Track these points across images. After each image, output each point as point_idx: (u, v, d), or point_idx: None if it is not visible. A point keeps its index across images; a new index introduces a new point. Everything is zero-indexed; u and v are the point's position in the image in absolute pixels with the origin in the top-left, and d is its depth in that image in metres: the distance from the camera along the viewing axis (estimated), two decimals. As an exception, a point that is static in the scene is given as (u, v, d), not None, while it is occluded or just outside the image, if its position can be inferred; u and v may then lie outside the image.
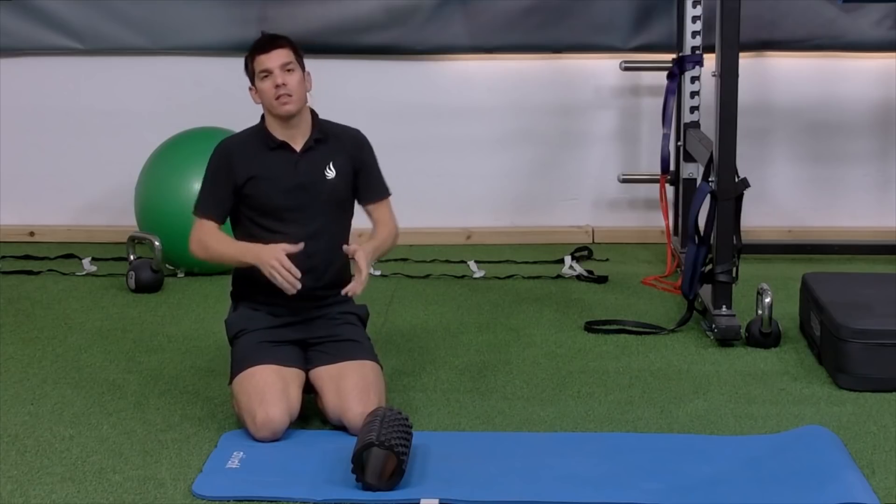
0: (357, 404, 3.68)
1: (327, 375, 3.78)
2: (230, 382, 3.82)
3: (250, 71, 3.89)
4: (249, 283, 3.86)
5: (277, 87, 3.81)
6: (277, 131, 3.90)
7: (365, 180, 3.97)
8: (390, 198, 4.02)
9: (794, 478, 3.44)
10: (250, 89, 3.92)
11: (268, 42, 3.86)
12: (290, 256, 3.73)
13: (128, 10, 5.90)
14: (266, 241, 3.79)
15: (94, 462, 3.58)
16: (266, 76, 3.83)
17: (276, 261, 3.70)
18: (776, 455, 3.60)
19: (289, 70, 3.83)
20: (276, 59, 3.82)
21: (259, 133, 3.93)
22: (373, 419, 3.47)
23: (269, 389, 3.70)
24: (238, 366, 3.80)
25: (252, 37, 5.81)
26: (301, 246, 3.75)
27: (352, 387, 3.72)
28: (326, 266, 3.87)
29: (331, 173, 3.90)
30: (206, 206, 3.90)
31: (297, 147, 3.89)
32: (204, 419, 3.88)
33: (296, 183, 3.86)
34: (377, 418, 3.46)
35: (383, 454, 3.34)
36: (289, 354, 3.82)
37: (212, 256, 3.90)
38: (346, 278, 3.86)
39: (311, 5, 5.88)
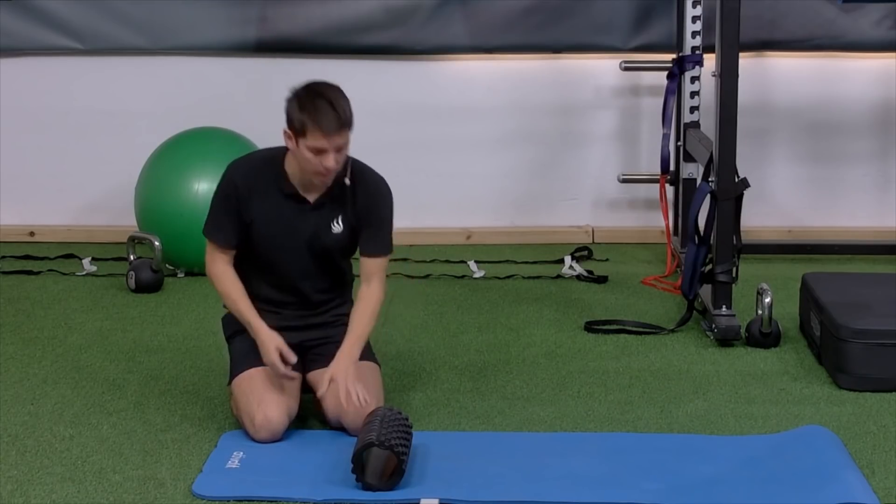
0: (358, 406, 3.67)
1: (319, 377, 3.78)
2: (229, 383, 3.82)
3: (298, 128, 3.58)
4: (245, 282, 3.83)
5: (323, 167, 3.60)
6: (296, 178, 3.71)
7: (370, 233, 3.80)
8: (388, 256, 3.85)
9: (794, 478, 3.44)
10: (287, 134, 3.63)
11: (334, 124, 3.55)
12: (280, 283, 3.77)
13: (128, 10, 5.90)
14: (256, 276, 3.79)
15: (94, 462, 3.58)
16: (317, 152, 3.59)
17: (272, 364, 3.68)
18: (776, 455, 3.60)
19: (339, 149, 3.61)
20: (335, 141, 3.57)
21: (275, 168, 3.73)
22: (372, 419, 3.47)
23: (268, 391, 3.70)
24: (236, 367, 3.80)
25: (252, 37, 5.94)
26: (294, 360, 3.69)
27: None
28: (322, 288, 3.86)
29: (337, 227, 3.77)
30: (216, 234, 3.79)
31: (311, 199, 3.73)
32: (204, 419, 3.88)
33: (298, 238, 3.75)
34: (377, 418, 3.46)
35: (383, 454, 3.35)
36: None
37: (222, 299, 3.84)
38: (347, 280, 3.88)
39: (311, 5, 5.88)
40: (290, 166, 3.70)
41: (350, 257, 3.88)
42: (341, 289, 3.91)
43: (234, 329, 3.87)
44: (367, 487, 3.36)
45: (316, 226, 3.74)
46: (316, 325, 3.86)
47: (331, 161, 3.58)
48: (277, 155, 3.73)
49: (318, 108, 3.54)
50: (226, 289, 3.78)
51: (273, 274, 3.80)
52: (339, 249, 3.81)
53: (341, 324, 3.87)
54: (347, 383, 3.65)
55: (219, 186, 3.79)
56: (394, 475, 3.36)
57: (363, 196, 3.75)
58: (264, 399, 3.68)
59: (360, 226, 3.78)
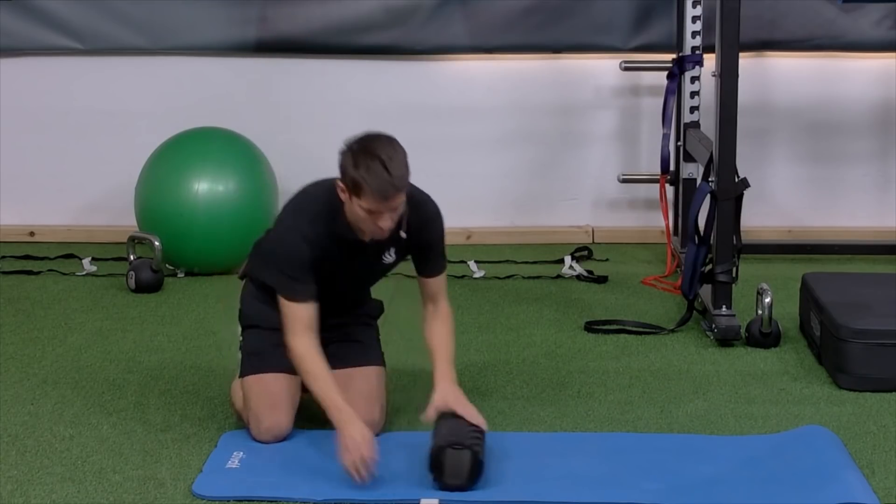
0: (363, 413, 3.63)
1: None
2: (241, 376, 3.77)
3: (351, 187, 3.44)
4: (261, 264, 3.76)
5: (377, 228, 3.49)
6: (353, 224, 3.56)
7: (426, 256, 3.72)
8: (444, 275, 3.76)
9: (794, 478, 3.44)
10: (340, 188, 3.49)
11: (390, 190, 3.42)
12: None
13: (128, 10, 5.90)
14: None
15: (94, 462, 3.58)
16: (371, 213, 3.46)
17: (362, 460, 3.39)
18: (776, 455, 3.60)
19: (395, 209, 3.49)
20: (390, 205, 3.45)
21: (334, 216, 3.56)
22: (446, 418, 3.51)
23: (281, 397, 3.69)
24: (250, 365, 3.75)
25: (252, 37, 5.93)
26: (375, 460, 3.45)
27: (357, 394, 3.69)
28: (354, 297, 3.85)
29: (389, 258, 3.70)
30: (300, 294, 3.56)
31: (367, 239, 3.60)
32: (204, 419, 3.88)
33: (352, 270, 3.69)
34: (452, 418, 3.50)
35: (462, 454, 3.37)
36: None
37: (303, 379, 3.62)
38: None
39: (311, 5, 5.88)
40: (350, 215, 3.53)
41: None
42: (368, 292, 3.91)
43: (251, 323, 3.80)
44: (444, 488, 3.37)
45: (368, 258, 3.67)
46: (336, 326, 3.81)
47: (386, 222, 3.47)
48: (335, 201, 3.54)
49: (372, 170, 3.40)
50: (313, 369, 3.55)
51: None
52: (387, 272, 3.78)
53: (361, 323, 3.86)
54: (462, 408, 3.56)
55: (286, 251, 3.57)
56: (471, 474, 3.37)
57: (415, 224, 3.66)
58: (276, 404, 3.67)
59: (414, 251, 3.71)
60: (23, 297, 5.16)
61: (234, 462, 3.56)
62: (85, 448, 3.68)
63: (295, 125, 5.99)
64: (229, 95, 5.96)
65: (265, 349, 3.74)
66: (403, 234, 3.62)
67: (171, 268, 5.42)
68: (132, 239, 5.43)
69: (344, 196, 3.48)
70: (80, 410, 3.97)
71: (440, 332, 3.72)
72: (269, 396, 3.68)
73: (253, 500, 3.35)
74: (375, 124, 5.94)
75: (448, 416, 3.52)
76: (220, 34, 5.89)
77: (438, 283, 3.73)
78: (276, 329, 3.69)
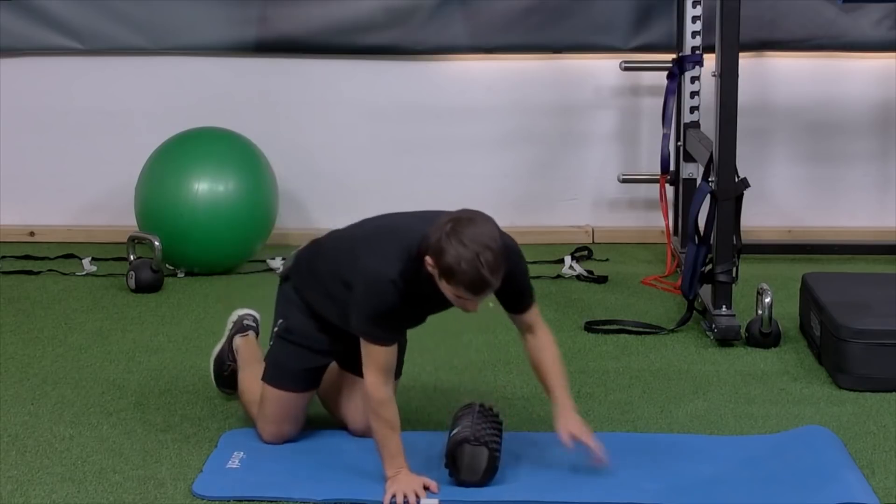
0: (359, 419, 3.64)
1: (351, 382, 3.71)
2: (264, 379, 3.67)
3: (443, 271, 3.26)
4: (314, 284, 3.60)
5: (464, 306, 3.36)
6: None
7: (513, 294, 3.53)
8: (535, 303, 3.58)
9: (794, 478, 3.44)
10: (429, 263, 3.29)
11: (486, 289, 3.27)
12: None
13: (128, 10, 5.89)
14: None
15: (94, 462, 3.58)
16: (460, 298, 3.32)
17: (413, 493, 3.33)
18: (776, 455, 3.60)
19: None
20: (482, 298, 3.31)
21: (418, 274, 3.36)
22: (464, 413, 3.48)
23: (296, 413, 3.66)
24: (278, 377, 3.63)
25: (252, 37, 5.93)
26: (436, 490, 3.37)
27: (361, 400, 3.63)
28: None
29: None
30: (388, 340, 3.41)
31: None
32: (204, 419, 3.88)
33: (425, 314, 3.58)
34: (471, 413, 3.47)
35: (478, 450, 3.36)
36: (322, 374, 3.70)
37: (371, 418, 3.44)
38: None
39: (311, 5, 5.88)
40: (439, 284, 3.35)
41: None
42: None
43: (294, 337, 3.63)
44: (460, 483, 3.37)
45: (444, 306, 3.50)
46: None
47: (473, 306, 3.34)
48: (417, 261, 3.35)
49: (471, 265, 3.22)
50: (390, 418, 3.40)
51: None
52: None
53: None
54: (587, 439, 3.47)
55: (379, 300, 3.37)
56: (487, 471, 3.37)
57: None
58: (289, 419, 3.65)
59: (501, 295, 3.50)
60: (23, 297, 5.16)
61: (234, 462, 3.56)
62: (85, 448, 3.68)
63: (295, 125, 5.99)
64: (229, 95, 5.96)
65: (297, 371, 3.63)
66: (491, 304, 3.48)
67: (171, 268, 5.42)
68: (132, 239, 5.43)
69: (433, 272, 3.29)
70: (80, 410, 3.97)
71: (548, 359, 3.55)
72: (285, 410, 3.65)
73: (253, 500, 3.35)
74: (375, 124, 6.01)
75: (466, 411, 3.51)
76: (220, 34, 5.89)
77: (532, 315, 3.56)
78: (314, 351, 3.61)
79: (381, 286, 3.35)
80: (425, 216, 3.46)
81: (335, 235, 3.65)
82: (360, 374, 3.47)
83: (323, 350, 3.63)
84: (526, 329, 3.58)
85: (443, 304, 3.43)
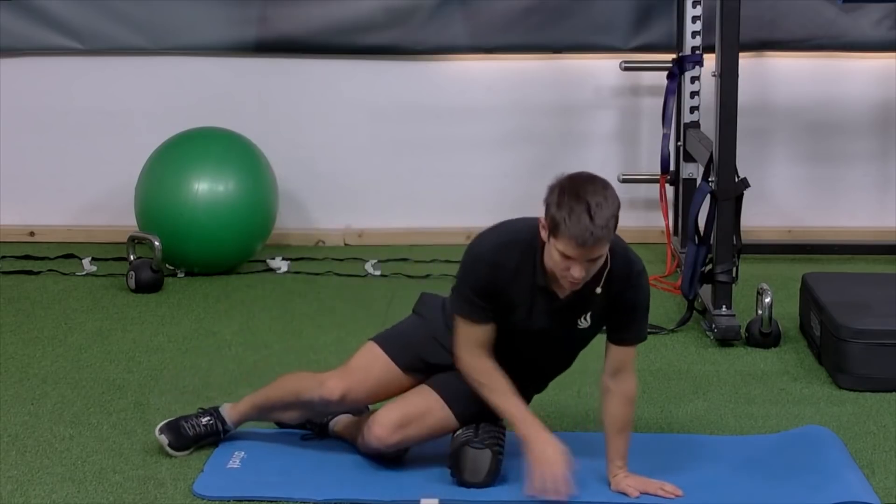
0: (384, 429, 3.46)
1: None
2: (371, 338, 3.59)
3: (551, 227, 3.17)
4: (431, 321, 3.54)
5: (570, 275, 3.20)
6: (549, 272, 3.28)
7: (622, 320, 3.39)
8: (637, 346, 3.43)
9: (794, 477, 3.44)
10: (542, 224, 3.22)
11: (589, 238, 3.13)
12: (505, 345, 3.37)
13: (128, 10, 5.90)
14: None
15: (94, 462, 3.58)
16: (565, 259, 3.18)
17: (554, 477, 3.26)
18: (776, 455, 3.60)
19: (592, 261, 3.20)
20: (586, 254, 3.16)
21: (531, 257, 3.30)
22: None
23: (370, 379, 3.51)
24: (386, 340, 3.56)
25: (252, 37, 5.94)
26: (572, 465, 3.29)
27: (401, 397, 3.52)
28: (542, 368, 3.56)
29: (584, 323, 3.39)
30: (475, 313, 3.34)
31: (562, 294, 3.32)
32: (204, 419, 3.88)
33: (542, 330, 3.38)
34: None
35: (481, 453, 3.38)
36: (417, 374, 3.56)
37: (480, 393, 3.38)
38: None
39: (311, 5, 5.88)
40: (546, 258, 3.26)
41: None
42: (557, 369, 3.61)
43: (421, 332, 3.56)
44: (463, 485, 3.38)
45: (561, 319, 3.37)
46: None
47: (578, 272, 3.17)
48: (534, 241, 3.29)
49: (575, 213, 3.12)
50: (490, 381, 3.35)
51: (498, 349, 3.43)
52: (580, 340, 3.48)
53: None
54: (654, 489, 3.37)
55: (471, 269, 3.35)
56: (490, 473, 3.38)
57: (617, 281, 3.34)
58: (361, 376, 3.50)
59: (611, 312, 3.39)
60: (23, 297, 5.16)
61: (234, 462, 3.56)
62: (85, 448, 3.68)
63: (295, 125, 5.99)
64: (229, 95, 5.96)
65: (410, 344, 3.53)
66: (598, 290, 3.32)
67: (171, 268, 5.42)
68: (132, 239, 5.43)
69: (543, 233, 3.21)
70: (80, 410, 3.97)
71: (620, 416, 3.39)
72: (367, 367, 3.51)
73: (253, 500, 3.35)
74: (375, 124, 6.01)
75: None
76: (220, 34, 5.89)
77: (628, 354, 3.39)
78: (432, 345, 3.53)
79: (479, 252, 3.33)
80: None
81: None
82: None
83: (437, 348, 3.51)
84: (614, 369, 3.39)
85: (556, 307, 3.32)
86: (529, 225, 3.32)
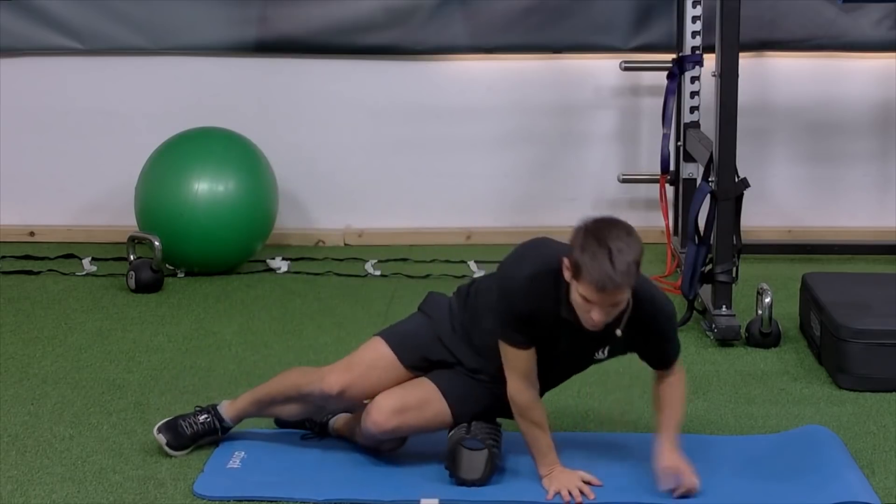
0: (384, 396, 3.49)
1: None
2: (376, 333, 3.61)
3: (574, 269, 3.21)
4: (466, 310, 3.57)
5: (590, 318, 3.24)
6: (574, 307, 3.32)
7: (654, 350, 3.47)
8: (678, 359, 3.51)
9: (795, 477, 3.44)
10: (566, 265, 3.26)
11: (608, 284, 3.16)
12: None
13: (128, 10, 5.90)
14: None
15: (94, 462, 3.58)
16: (586, 302, 3.22)
17: (577, 489, 3.37)
18: (776, 455, 3.60)
19: (614, 306, 3.24)
20: (606, 300, 3.20)
21: (558, 291, 3.33)
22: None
23: (371, 372, 3.52)
24: (391, 336, 3.58)
25: (252, 37, 5.94)
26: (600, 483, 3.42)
27: (400, 387, 3.53)
28: (547, 387, 3.58)
29: (601, 356, 3.46)
30: (521, 341, 3.38)
31: (585, 326, 3.33)
32: (204, 419, 3.88)
33: (559, 356, 3.45)
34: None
35: (478, 451, 3.39)
36: (417, 368, 3.57)
37: (519, 423, 3.46)
38: None
39: (311, 5, 5.88)
40: (571, 295, 3.28)
41: None
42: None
43: (428, 327, 3.58)
44: (460, 483, 3.39)
45: (580, 350, 3.45)
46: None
47: (598, 315, 3.21)
48: (562, 273, 3.30)
49: (596, 258, 3.16)
50: (538, 419, 3.44)
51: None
52: (592, 365, 3.54)
53: None
54: (687, 476, 3.41)
55: (510, 306, 3.36)
56: (487, 471, 3.39)
57: (638, 322, 3.38)
58: (363, 370, 3.52)
59: (637, 349, 3.46)
60: (23, 297, 5.16)
61: (235, 462, 3.56)
62: (85, 448, 3.68)
63: (295, 125, 5.99)
64: (229, 95, 5.96)
65: (418, 345, 3.56)
66: (619, 333, 3.37)
67: (171, 268, 5.42)
68: (132, 239, 5.43)
69: (567, 274, 3.26)
70: (80, 410, 3.97)
71: (670, 396, 3.51)
72: (370, 360, 3.53)
73: (254, 500, 3.35)
74: (375, 124, 6.01)
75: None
76: (220, 34, 5.89)
77: (673, 373, 3.51)
78: (436, 343, 3.56)
79: (513, 285, 3.36)
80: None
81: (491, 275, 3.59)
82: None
83: (441, 349, 3.55)
84: (660, 376, 3.54)
85: (579, 339, 3.36)
86: (559, 252, 3.34)
